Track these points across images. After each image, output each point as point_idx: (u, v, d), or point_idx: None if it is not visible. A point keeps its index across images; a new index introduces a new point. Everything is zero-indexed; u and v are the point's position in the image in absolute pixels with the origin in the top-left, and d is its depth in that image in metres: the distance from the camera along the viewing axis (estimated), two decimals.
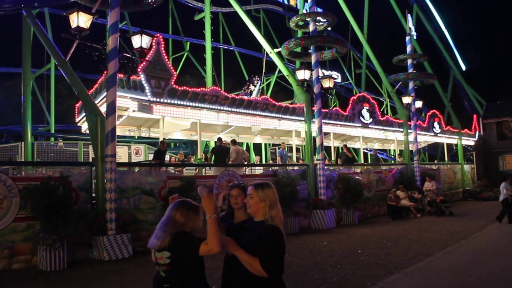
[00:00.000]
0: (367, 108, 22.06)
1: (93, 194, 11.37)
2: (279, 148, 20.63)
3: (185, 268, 3.06)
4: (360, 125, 21.61)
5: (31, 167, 13.66)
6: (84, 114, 14.20)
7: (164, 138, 15.19)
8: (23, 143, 15.21)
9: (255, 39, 20.13)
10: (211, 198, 3.04)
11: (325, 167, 17.18)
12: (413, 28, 28.71)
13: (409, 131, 24.46)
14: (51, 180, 10.09)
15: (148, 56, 13.23)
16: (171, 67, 14.15)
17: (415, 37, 30.35)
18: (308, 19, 18.04)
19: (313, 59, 17.75)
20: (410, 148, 24.47)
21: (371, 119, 22.13)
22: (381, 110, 34.34)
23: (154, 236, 3.11)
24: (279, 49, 20.79)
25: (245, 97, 17.57)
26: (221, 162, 15.02)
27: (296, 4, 37.00)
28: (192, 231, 3.09)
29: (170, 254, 3.02)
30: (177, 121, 15.50)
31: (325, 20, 18.38)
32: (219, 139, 16.35)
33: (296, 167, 17.50)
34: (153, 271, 3.37)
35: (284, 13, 39.07)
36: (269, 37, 36.21)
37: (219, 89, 16.20)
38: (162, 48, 13.80)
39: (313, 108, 17.59)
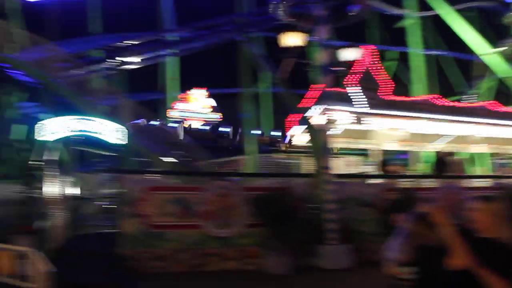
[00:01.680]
0: None
1: (314, 205, 11.77)
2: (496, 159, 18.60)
3: (431, 283, 2.93)
4: None
5: (255, 178, 14.79)
6: (297, 128, 14.92)
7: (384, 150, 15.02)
8: (248, 156, 16.75)
9: (463, 41, 18.55)
10: (442, 210, 2.85)
11: None
12: None
13: None
14: (276, 190, 10.84)
15: (359, 68, 13.32)
16: (383, 77, 14.00)
17: None
18: None
19: None
20: None
21: None
22: None
23: (394, 250, 3.08)
24: (498, 49, 18.82)
25: (466, 104, 16.38)
26: (440, 174, 14.22)
27: None
28: (434, 243, 2.97)
29: (416, 269, 2.95)
30: (391, 131, 15.24)
31: None
32: (439, 150, 15.60)
33: None
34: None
35: (496, 9, 35.24)
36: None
37: (436, 97, 15.44)
38: (373, 59, 13.77)
39: None
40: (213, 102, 24.66)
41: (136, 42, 19.71)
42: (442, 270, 2.88)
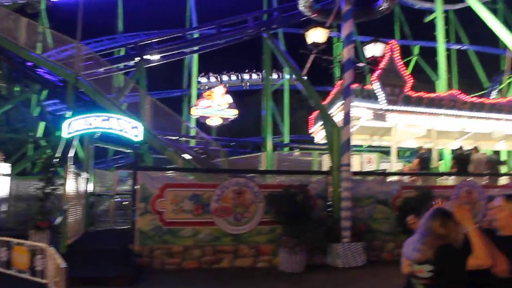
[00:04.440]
0: None
1: (329, 202, 11.65)
2: None
3: (449, 283, 2.85)
4: None
5: (271, 175, 14.77)
6: (318, 124, 14.78)
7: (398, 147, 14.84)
8: (265, 153, 16.67)
9: (493, 35, 17.92)
10: (464, 208, 2.84)
11: None
12: None
13: None
14: (292, 188, 10.74)
15: (382, 64, 13.11)
16: (406, 74, 13.76)
17: None
18: None
19: None
20: None
21: None
22: None
23: (412, 249, 2.98)
24: None
25: (487, 100, 15.92)
26: (461, 171, 13.88)
27: None
28: (453, 242, 2.88)
29: (433, 268, 2.87)
30: (410, 128, 14.96)
31: None
32: (461, 147, 15.21)
33: None
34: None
35: None
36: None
37: (457, 92, 15.07)
38: (396, 55, 13.53)
39: None
40: (229, 99, 24.86)
41: (157, 40, 19.85)
42: (462, 269, 2.82)
